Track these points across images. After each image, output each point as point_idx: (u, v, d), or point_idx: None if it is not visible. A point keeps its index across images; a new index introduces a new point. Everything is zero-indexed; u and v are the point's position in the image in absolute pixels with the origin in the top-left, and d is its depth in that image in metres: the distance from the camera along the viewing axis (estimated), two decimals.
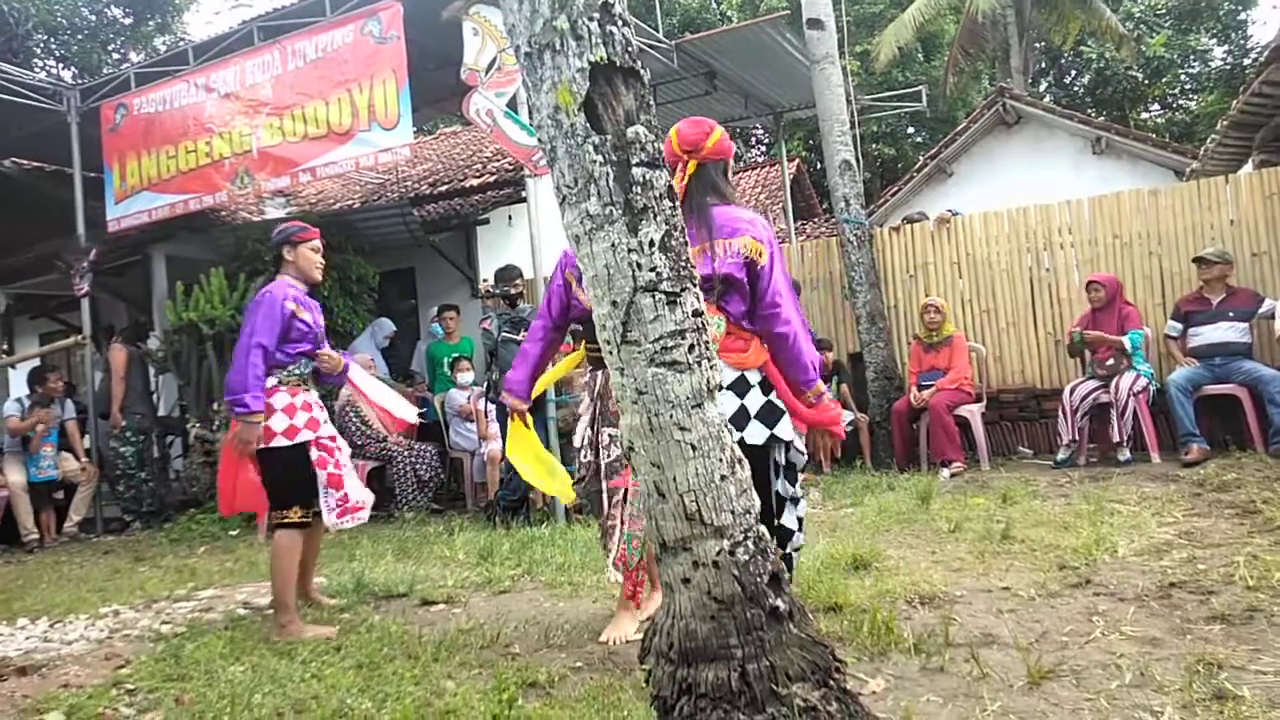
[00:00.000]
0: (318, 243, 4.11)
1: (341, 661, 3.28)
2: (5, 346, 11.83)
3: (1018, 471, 6.72)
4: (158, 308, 8.85)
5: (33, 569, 6.41)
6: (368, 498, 4.09)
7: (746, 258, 2.70)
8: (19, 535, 7.53)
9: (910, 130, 24.11)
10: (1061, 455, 6.73)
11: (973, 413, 7.12)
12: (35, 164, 9.53)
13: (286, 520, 3.89)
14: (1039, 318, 7.75)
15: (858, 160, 8.38)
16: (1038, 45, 22.16)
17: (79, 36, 16.80)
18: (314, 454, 3.91)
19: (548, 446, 5.43)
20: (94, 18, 17.08)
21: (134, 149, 8.20)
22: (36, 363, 8.68)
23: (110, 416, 8.18)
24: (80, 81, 9.54)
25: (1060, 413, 6.79)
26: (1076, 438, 6.70)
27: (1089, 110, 20.97)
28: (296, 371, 3.99)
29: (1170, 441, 6.57)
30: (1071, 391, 6.73)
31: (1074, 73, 25.51)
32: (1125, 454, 6.45)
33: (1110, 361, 6.63)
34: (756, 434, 2.70)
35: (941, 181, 14.18)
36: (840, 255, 8.25)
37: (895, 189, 14.90)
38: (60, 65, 17.08)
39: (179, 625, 4.17)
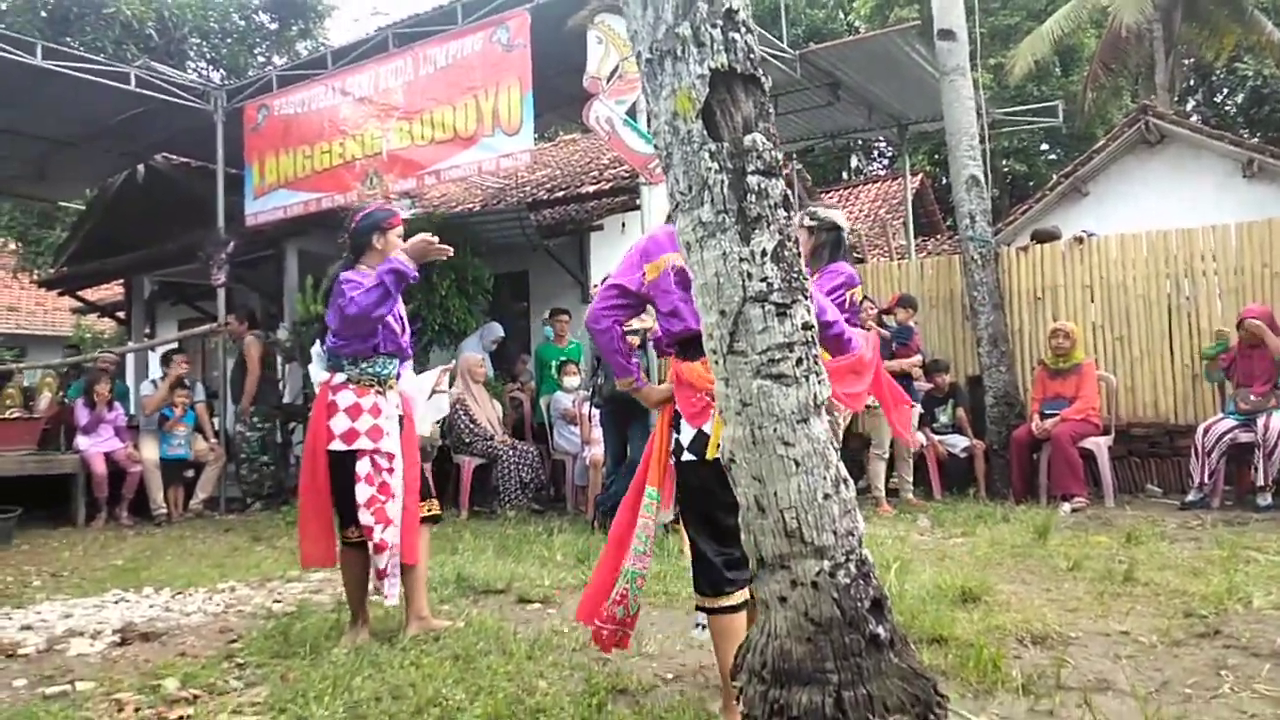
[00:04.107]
0: (402, 229, 3.72)
1: (439, 652, 3.34)
2: (148, 330, 12.63)
3: (1145, 510, 6.35)
4: (288, 299, 9.27)
5: (160, 541, 6.79)
6: (392, 540, 3.53)
7: None
8: (149, 509, 8.00)
9: (1044, 147, 23.20)
10: (1191, 496, 6.33)
11: (1099, 445, 6.77)
12: (182, 159, 10.15)
13: (346, 539, 3.61)
14: (1176, 348, 7.31)
15: (986, 176, 8.10)
16: (1186, 61, 20.96)
17: (229, 40, 17.79)
18: (362, 467, 3.48)
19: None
20: (243, 22, 18.08)
21: (273, 148, 8.62)
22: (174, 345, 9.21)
23: (240, 404, 8.59)
24: (227, 83, 10.08)
25: (1193, 452, 6.39)
26: (1208, 480, 6.28)
27: (1241, 131, 19.71)
28: (371, 370, 3.58)
29: None
30: (1205, 431, 6.32)
31: (1226, 90, 24.06)
32: (1266, 499, 6.01)
33: (1255, 396, 6.19)
34: None
35: (1076, 201, 13.57)
36: (963, 274, 7.98)
37: (1026, 207, 14.36)
38: (210, 67, 18.13)
39: (289, 605, 4.35)
